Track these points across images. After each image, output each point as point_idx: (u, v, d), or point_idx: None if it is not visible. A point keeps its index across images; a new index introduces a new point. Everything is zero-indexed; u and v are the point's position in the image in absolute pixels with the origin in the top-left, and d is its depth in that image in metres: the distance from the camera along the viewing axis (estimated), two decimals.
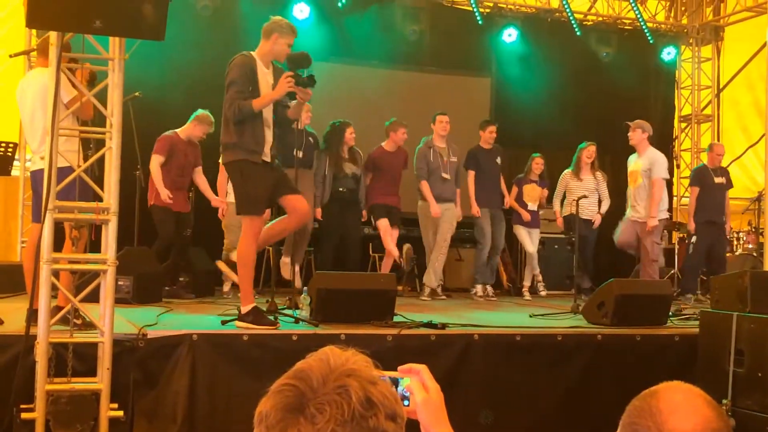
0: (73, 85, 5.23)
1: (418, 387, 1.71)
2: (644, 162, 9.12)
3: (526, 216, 10.18)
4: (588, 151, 10.10)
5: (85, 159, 5.39)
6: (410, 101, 10.61)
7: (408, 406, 1.68)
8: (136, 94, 7.92)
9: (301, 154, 8.28)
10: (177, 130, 8.63)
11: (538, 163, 10.45)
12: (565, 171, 10.21)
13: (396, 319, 6.31)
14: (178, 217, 8.56)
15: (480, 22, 12.30)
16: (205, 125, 8.64)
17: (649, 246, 9.09)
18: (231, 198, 8.92)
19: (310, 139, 9.13)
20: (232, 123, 5.90)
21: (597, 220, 9.97)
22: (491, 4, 12.62)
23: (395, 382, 1.69)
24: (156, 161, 8.41)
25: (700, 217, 10.27)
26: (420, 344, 5.77)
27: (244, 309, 5.71)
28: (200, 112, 8.67)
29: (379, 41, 11.55)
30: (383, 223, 9.26)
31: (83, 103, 5.22)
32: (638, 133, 9.21)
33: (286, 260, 8.74)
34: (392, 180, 9.51)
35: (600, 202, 10.10)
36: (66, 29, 4.57)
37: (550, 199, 10.44)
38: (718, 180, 10.38)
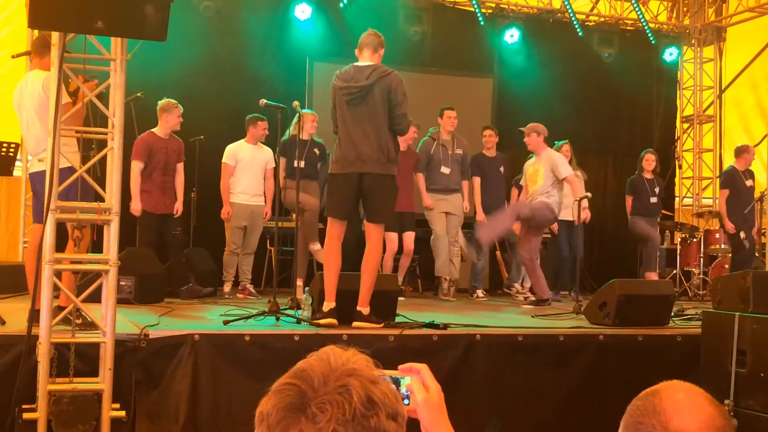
0: (70, 94, 5.25)
1: (418, 386, 1.71)
2: (544, 164, 8.97)
3: None
4: (563, 150, 10.03)
5: (87, 159, 5.39)
6: (413, 102, 10.47)
7: (408, 405, 1.68)
8: (138, 94, 7.93)
9: (302, 164, 8.29)
10: (152, 130, 8.51)
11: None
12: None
13: (398, 319, 6.32)
14: (165, 218, 8.49)
15: (482, 23, 12.30)
16: (174, 111, 8.47)
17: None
18: (235, 198, 8.95)
19: (315, 150, 9.09)
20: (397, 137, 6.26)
21: (586, 215, 9.72)
22: (493, 5, 12.63)
23: (396, 382, 1.69)
24: (136, 168, 8.28)
25: (733, 219, 10.27)
26: (422, 344, 5.77)
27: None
28: (160, 103, 8.52)
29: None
30: (392, 237, 9.21)
31: (75, 112, 5.22)
32: (534, 137, 9.03)
33: (317, 247, 8.70)
34: (403, 181, 9.46)
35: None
36: (68, 30, 4.57)
37: None
38: (748, 183, 10.36)
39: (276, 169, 9.00)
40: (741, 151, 10.66)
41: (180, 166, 8.69)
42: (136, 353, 5.08)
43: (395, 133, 6.20)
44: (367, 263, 6.11)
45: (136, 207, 8.24)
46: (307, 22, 11.28)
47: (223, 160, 9.06)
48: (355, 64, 6.23)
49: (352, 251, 7.74)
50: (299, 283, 8.52)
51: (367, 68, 6.13)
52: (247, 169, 9.02)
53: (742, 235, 10.34)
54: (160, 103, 8.49)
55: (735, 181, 10.39)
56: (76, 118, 5.36)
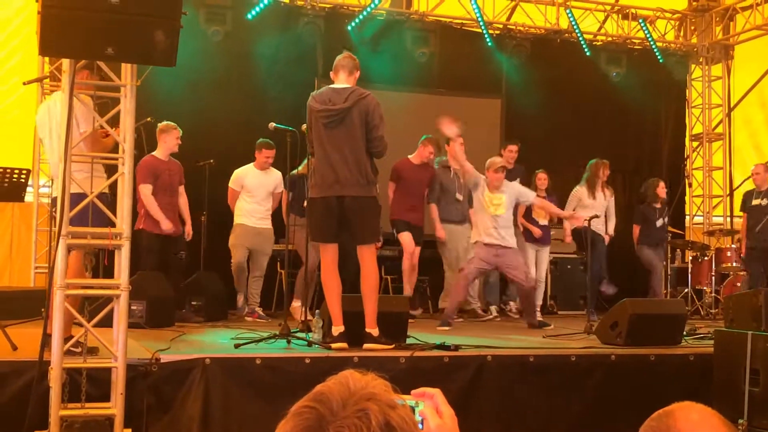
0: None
1: (431, 412, 1.70)
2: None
3: (537, 232, 9.92)
4: (604, 168, 10.05)
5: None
6: (421, 123, 10.61)
7: (422, 430, 1.68)
8: (148, 119, 7.97)
9: None
10: (153, 153, 8.52)
11: (541, 179, 10.40)
12: (577, 187, 10.16)
13: (409, 340, 6.31)
14: (168, 240, 8.49)
15: (489, 44, 12.34)
16: (172, 133, 8.49)
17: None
18: (239, 220, 8.97)
19: None
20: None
21: (606, 240, 9.94)
22: (500, 26, 12.67)
23: (411, 409, 1.69)
24: (146, 191, 8.30)
25: (748, 242, 10.30)
26: (433, 366, 5.76)
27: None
28: (159, 125, 8.52)
29: (389, 64, 11.60)
30: (406, 238, 9.24)
31: (103, 139, 5.38)
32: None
33: (296, 305, 8.66)
34: (416, 194, 9.44)
35: (607, 220, 10.04)
36: (79, 57, 4.61)
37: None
38: (756, 201, 10.37)
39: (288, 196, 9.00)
40: (752, 171, 10.84)
41: (182, 189, 8.73)
42: (147, 378, 5.09)
43: (372, 155, 6.20)
44: (366, 285, 6.10)
45: (167, 226, 8.26)
46: (315, 45, 11.33)
47: (229, 185, 9.13)
48: (332, 86, 6.25)
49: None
50: (295, 303, 8.52)
51: (345, 91, 6.14)
52: (254, 195, 9.08)
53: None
54: (159, 125, 8.53)
55: (746, 203, 10.51)
56: (102, 144, 5.46)
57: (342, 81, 6.23)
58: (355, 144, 6.05)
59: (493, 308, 10.07)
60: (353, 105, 6.04)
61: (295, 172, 8.69)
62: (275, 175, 9.19)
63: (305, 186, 8.09)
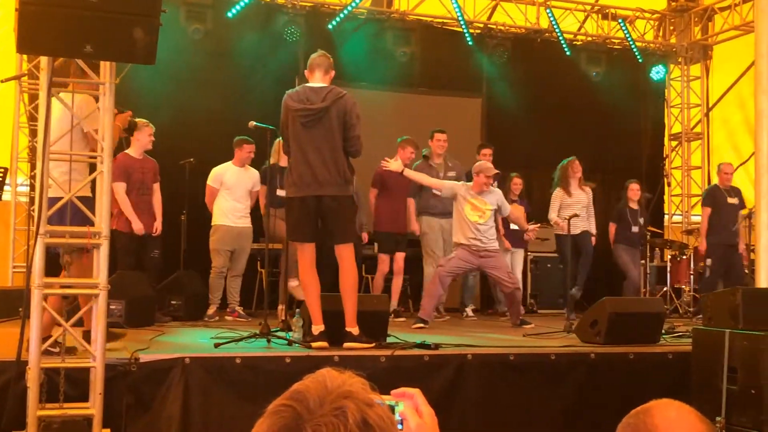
0: (124, 129, 5.34)
1: (411, 412, 1.70)
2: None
3: (506, 245, 10.09)
4: (575, 166, 10.05)
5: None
6: (402, 123, 10.64)
7: (402, 430, 1.67)
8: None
9: (284, 193, 8.25)
10: (126, 151, 8.43)
11: (516, 184, 10.47)
12: (554, 191, 10.17)
13: (389, 339, 6.31)
14: (143, 239, 8.44)
15: (470, 43, 12.36)
16: (144, 130, 8.39)
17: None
18: (218, 221, 8.93)
19: None
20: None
21: (593, 241, 9.99)
22: (481, 25, 12.70)
23: (390, 408, 1.68)
24: (120, 189, 8.19)
25: (713, 238, 10.32)
26: (414, 365, 5.76)
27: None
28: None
29: (370, 63, 11.60)
30: (384, 258, 9.30)
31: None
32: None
33: (294, 283, 8.65)
34: (400, 200, 9.46)
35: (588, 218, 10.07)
36: (57, 54, 4.58)
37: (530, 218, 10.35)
38: (731, 200, 10.43)
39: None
40: (718, 170, 10.91)
41: (156, 186, 8.67)
42: (126, 377, 5.05)
43: (348, 154, 6.20)
44: (345, 283, 6.10)
45: (138, 227, 8.22)
46: (296, 44, 11.31)
47: (207, 182, 9.06)
48: (308, 85, 6.23)
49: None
50: (281, 307, 8.50)
51: (322, 90, 6.13)
52: (233, 192, 9.03)
53: (708, 261, 10.45)
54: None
55: (717, 199, 10.49)
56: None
57: (318, 80, 6.23)
58: (332, 143, 6.04)
59: (469, 309, 10.09)
60: (331, 104, 6.04)
61: (266, 165, 8.68)
62: (253, 173, 9.17)
63: (277, 176, 8.08)
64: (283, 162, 8.64)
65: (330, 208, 6.07)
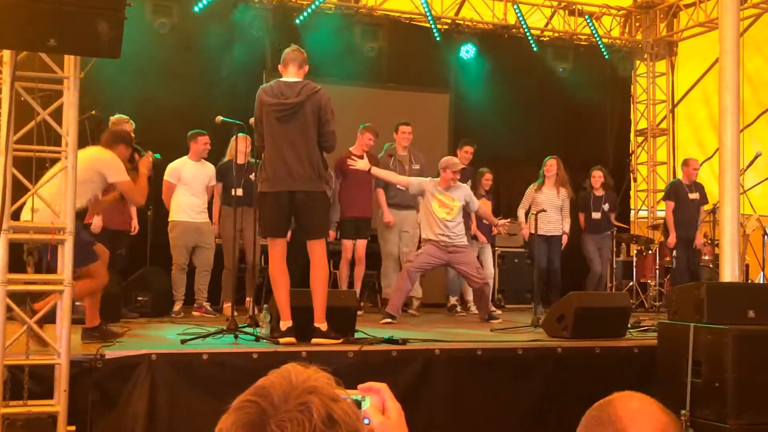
0: (130, 168, 5.92)
1: (374, 411, 1.70)
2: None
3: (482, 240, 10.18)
4: (548, 165, 10.13)
5: (40, 178, 5.33)
6: (370, 118, 10.62)
7: (369, 425, 1.67)
8: (93, 112, 7.84)
9: (240, 192, 8.24)
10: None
11: (488, 179, 10.50)
12: (532, 185, 10.23)
13: (357, 335, 6.31)
14: (115, 235, 8.33)
15: (438, 39, 12.37)
16: (125, 126, 8.20)
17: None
18: (176, 216, 8.85)
19: (253, 175, 8.92)
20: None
21: (564, 240, 10.06)
22: (449, 21, 12.71)
23: (357, 403, 1.68)
24: None
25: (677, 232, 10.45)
26: (381, 360, 5.77)
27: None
28: (112, 118, 8.33)
29: (338, 58, 11.57)
30: (347, 244, 9.30)
31: (137, 187, 6.10)
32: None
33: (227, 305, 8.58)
34: (361, 185, 9.41)
35: (562, 219, 10.13)
36: (20, 48, 4.53)
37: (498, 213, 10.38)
38: (692, 195, 10.55)
39: None
40: (683, 165, 11.06)
41: None
42: (91, 374, 5.02)
43: (323, 149, 6.19)
44: (316, 279, 6.09)
45: (96, 224, 8.12)
46: (263, 39, 11.26)
47: (164, 178, 8.96)
48: (282, 79, 6.20)
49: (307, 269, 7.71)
50: (248, 299, 8.50)
51: (296, 84, 6.11)
52: (191, 187, 8.94)
53: (674, 253, 10.59)
54: (111, 118, 8.35)
55: (679, 193, 10.61)
56: (140, 193, 6.19)
57: (291, 75, 6.20)
58: (307, 138, 6.03)
59: (454, 299, 10.13)
60: (306, 99, 6.02)
61: (223, 162, 8.64)
62: (209, 168, 9.10)
63: (233, 174, 8.05)
64: (240, 159, 8.60)
65: (303, 203, 6.05)
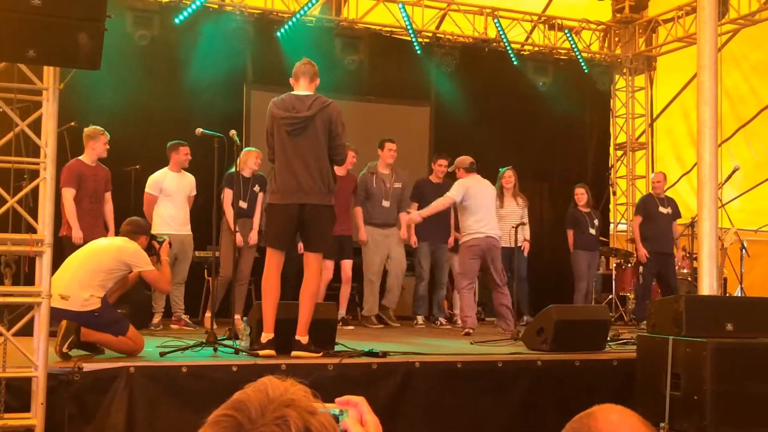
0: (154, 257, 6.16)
1: (353, 423, 1.69)
2: None
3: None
4: (506, 177, 10.11)
5: (19, 190, 5.29)
6: (350, 131, 10.58)
7: None
8: (72, 123, 7.81)
9: (245, 205, 8.31)
10: (80, 158, 8.27)
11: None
12: None
13: (337, 348, 6.29)
14: None
15: (419, 52, 12.41)
16: (100, 139, 8.25)
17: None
18: (160, 229, 8.78)
19: (256, 187, 8.97)
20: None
21: (526, 247, 10.01)
22: (429, 34, 12.76)
23: (335, 417, 1.67)
24: (68, 195, 8.03)
25: (647, 246, 10.47)
26: (361, 373, 5.75)
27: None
28: (86, 130, 8.29)
29: (319, 71, 11.54)
30: (328, 265, 9.22)
31: (161, 275, 6.30)
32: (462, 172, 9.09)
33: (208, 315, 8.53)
34: (342, 205, 9.39)
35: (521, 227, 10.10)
36: None
37: None
38: (663, 210, 10.58)
39: (219, 201, 8.87)
40: (652, 180, 11.14)
41: (108, 195, 8.49)
42: (69, 387, 4.97)
43: (333, 163, 6.20)
44: (306, 291, 6.07)
45: (78, 235, 8.04)
46: (244, 51, 11.26)
47: (146, 190, 8.90)
48: (293, 93, 6.21)
49: (292, 282, 7.69)
50: (237, 316, 8.43)
51: (308, 98, 6.12)
52: (173, 198, 8.89)
53: (641, 269, 10.64)
54: (86, 130, 8.28)
55: (648, 208, 10.67)
56: (166, 280, 6.43)
57: (303, 88, 6.22)
58: (318, 152, 6.04)
59: (419, 318, 10.10)
60: (317, 113, 6.04)
61: (232, 170, 8.63)
62: (190, 179, 9.07)
63: (240, 185, 8.07)
64: (247, 172, 8.66)
65: (312, 216, 6.06)
